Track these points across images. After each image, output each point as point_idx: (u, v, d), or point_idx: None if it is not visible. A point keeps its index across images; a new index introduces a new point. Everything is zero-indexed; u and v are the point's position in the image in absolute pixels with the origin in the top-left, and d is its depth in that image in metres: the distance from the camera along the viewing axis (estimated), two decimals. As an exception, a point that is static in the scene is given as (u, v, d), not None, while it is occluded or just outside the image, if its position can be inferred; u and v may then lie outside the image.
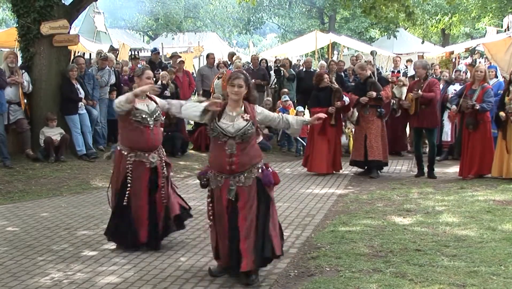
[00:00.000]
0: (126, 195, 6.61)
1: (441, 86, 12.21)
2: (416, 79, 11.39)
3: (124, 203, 6.61)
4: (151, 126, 6.72)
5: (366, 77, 11.25)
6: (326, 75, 11.66)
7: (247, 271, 5.44)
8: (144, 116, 6.69)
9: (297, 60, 23.39)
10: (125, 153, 6.70)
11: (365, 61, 13.19)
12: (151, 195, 6.70)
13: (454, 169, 11.44)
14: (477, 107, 10.25)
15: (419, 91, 10.58)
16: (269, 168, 5.68)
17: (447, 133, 12.88)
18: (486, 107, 10.33)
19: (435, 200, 8.92)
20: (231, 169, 5.50)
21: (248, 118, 5.54)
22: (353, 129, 12.85)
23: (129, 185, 6.62)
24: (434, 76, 12.76)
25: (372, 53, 11.98)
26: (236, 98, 5.57)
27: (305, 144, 13.44)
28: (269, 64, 17.77)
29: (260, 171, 5.58)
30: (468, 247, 6.44)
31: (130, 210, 6.63)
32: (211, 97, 12.67)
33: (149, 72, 7.03)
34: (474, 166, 10.56)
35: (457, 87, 12.60)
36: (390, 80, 13.30)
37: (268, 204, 5.57)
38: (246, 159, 5.53)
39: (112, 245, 6.88)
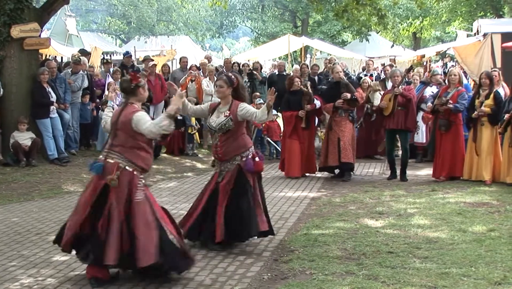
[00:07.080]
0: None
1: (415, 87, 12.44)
2: (389, 87, 11.49)
3: None
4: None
5: (339, 79, 11.29)
6: (297, 79, 11.72)
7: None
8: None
9: (272, 66, 23.43)
10: None
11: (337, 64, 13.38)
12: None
13: (426, 172, 11.56)
14: (451, 106, 10.38)
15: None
16: (255, 158, 6.64)
17: (423, 134, 12.94)
18: (459, 107, 10.48)
19: (407, 203, 9.00)
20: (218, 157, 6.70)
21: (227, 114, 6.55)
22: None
23: None
24: (406, 79, 12.84)
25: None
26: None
27: (278, 147, 13.47)
28: (241, 68, 17.71)
29: (243, 159, 6.62)
30: (440, 249, 6.53)
31: None
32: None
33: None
34: (445, 168, 10.70)
35: (434, 89, 12.62)
36: (365, 83, 13.51)
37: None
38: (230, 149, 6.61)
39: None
